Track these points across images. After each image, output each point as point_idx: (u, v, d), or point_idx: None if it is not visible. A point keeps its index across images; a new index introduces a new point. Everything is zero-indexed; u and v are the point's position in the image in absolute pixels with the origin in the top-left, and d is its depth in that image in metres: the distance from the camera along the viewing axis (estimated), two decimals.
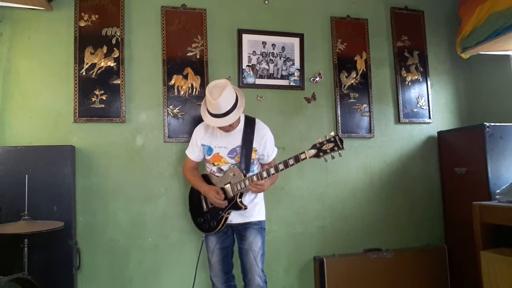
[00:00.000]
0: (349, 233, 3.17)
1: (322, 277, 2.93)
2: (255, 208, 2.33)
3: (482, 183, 2.88)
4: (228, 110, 2.10)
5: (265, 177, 2.13)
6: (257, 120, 2.35)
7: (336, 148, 2.04)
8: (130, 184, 2.74)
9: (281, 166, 2.10)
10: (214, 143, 2.30)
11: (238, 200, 2.22)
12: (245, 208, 2.23)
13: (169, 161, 2.83)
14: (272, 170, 2.11)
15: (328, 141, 2.05)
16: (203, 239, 2.43)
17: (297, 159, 2.07)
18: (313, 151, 2.05)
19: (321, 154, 2.05)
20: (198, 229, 2.42)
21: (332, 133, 2.07)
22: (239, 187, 2.20)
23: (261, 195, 2.39)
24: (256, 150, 2.28)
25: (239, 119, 2.25)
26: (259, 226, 2.32)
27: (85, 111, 2.67)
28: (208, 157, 2.34)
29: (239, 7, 3.07)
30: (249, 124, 2.30)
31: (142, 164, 2.78)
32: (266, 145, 2.31)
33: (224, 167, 2.29)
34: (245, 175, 2.20)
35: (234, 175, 2.23)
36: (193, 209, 2.47)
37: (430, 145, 3.43)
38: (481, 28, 2.88)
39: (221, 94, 2.06)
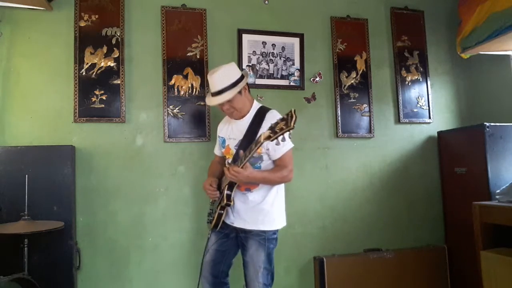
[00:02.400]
0: (349, 233, 3.17)
1: (322, 277, 2.93)
2: (260, 215, 2.06)
3: (482, 183, 2.88)
4: (223, 88, 1.99)
5: (238, 164, 1.87)
6: (270, 111, 2.09)
7: (284, 127, 1.59)
8: (130, 184, 2.74)
9: (247, 152, 1.85)
10: (227, 135, 2.20)
11: (225, 192, 2.02)
12: (227, 204, 2.03)
13: (169, 161, 2.83)
14: (239, 160, 1.88)
15: (282, 119, 1.62)
16: (209, 236, 2.23)
17: (257, 142, 1.76)
18: (267, 133, 1.67)
19: (271, 135, 1.64)
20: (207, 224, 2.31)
21: (293, 110, 1.60)
22: (226, 179, 2.04)
23: (272, 200, 2.10)
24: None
25: (248, 106, 2.11)
26: (262, 237, 2.04)
27: (85, 111, 2.67)
28: (222, 150, 2.26)
29: (239, 7, 3.07)
30: (260, 114, 2.07)
31: (142, 164, 2.78)
32: None
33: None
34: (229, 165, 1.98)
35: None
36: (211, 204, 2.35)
37: (430, 145, 3.43)
38: (481, 28, 2.88)
39: (218, 70, 2.01)
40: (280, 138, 1.63)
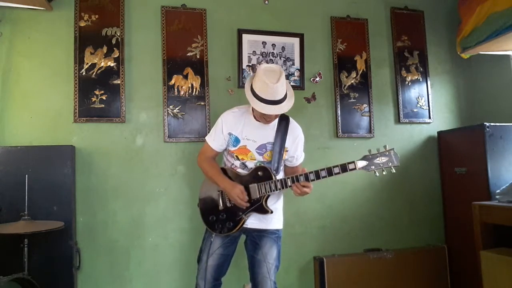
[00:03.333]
0: (349, 233, 3.17)
1: (322, 277, 2.93)
2: (275, 215, 2.13)
3: (482, 183, 2.88)
4: (282, 98, 1.94)
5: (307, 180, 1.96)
6: (291, 119, 2.18)
7: (390, 164, 1.91)
8: (130, 184, 2.74)
9: (323, 173, 1.91)
10: (243, 134, 2.07)
11: (265, 203, 2.02)
12: (271, 213, 2.04)
13: (169, 161, 2.83)
14: (311, 176, 1.94)
15: (382, 154, 1.92)
16: (212, 239, 2.14)
17: (344, 168, 1.90)
18: (363, 163, 1.90)
19: (372, 167, 1.91)
20: (209, 228, 2.16)
21: (387, 146, 1.93)
22: (267, 189, 1.99)
23: (281, 201, 2.22)
24: (287, 151, 2.12)
25: None
26: (276, 235, 2.12)
27: (85, 111, 2.67)
28: (232, 149, 2.10)
29: (239, 7, 3.07)
30: (284, 121, 2.12)
31: (142, 164, 2.78)
32: (298, 147, 2.15)
33: (249, 164, 2.08)
34: (275, 176, 2.01)
35: (262, 174, 2.02)
36: (205, 205, 2.19)
37: (430, 145, 3.43)
38: (481, 28, 2.88)
39: (280, 79, 1.90)
40: (378, 171, 1.93)
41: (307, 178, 1.95)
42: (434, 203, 3.39)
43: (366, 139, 3.25)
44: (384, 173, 1.94)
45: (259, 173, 2.03)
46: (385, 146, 1.94)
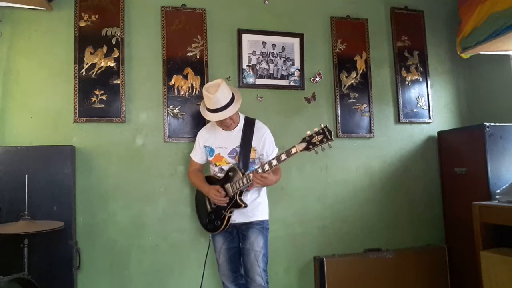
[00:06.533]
0: (349, 233, 3.17)
1: (322, 277, 2.93)
2: (258, 208, 2.36)
3: (482, 183, 2.88)
4: (227, 104, 2.20)
5: (263, 171, 2.15)
6: (256, 121, 2.41)
7: (325, 140, 2.03)
8: (130, 184, 2.74)
9: (274, 162, 2.12)
10: (215, 144, 2.38)
11: (238, 198, 2.25)
12: (245, 206, 2.26)
13: (169, 161, 2.83)
14: (266, 166, 2.14)
15: (317, 133, 2.05)
16: (210, 239, 2.48)
17: (288, 153, 2.09)
18: (303, 145, 2.06)
19: (310, 147, 2.05)
20: (205, 230, 2.48)
21: (322, 125, 2.06)
22: (238, 185, 2.23)
23: (263, 194, 2.42)
24: (255, 150, 2.33)
25: (239, 117, 2.36)
26: (261, 226, 2.34)
27: (85, 111, 2.67)
28: (210, 158, 2.42)
29: (239, 7, 3.07)
30: (249, 124, 2.37)
31: (142, 164, 2.78)
32: (265, 144, 2.35)
33: (225, 167, 2.34)
34: (243, 174, 2.23)
35: (232, 174, 2.27)
36: (199, 210, 2.54)
37: (430, 145, 3.43)
38: (481, 28, 2.88)
39: (218, 89, 2.17)
40: (317, 149, 2.04)
41: (263, 169, 2.15)
42: (434, 203, 3.39)
43: (366, 139, 3.26)
44: (323, 150, 2.05)
45: (229, 173, 2.29)
46: (320, 125, 2.06)
